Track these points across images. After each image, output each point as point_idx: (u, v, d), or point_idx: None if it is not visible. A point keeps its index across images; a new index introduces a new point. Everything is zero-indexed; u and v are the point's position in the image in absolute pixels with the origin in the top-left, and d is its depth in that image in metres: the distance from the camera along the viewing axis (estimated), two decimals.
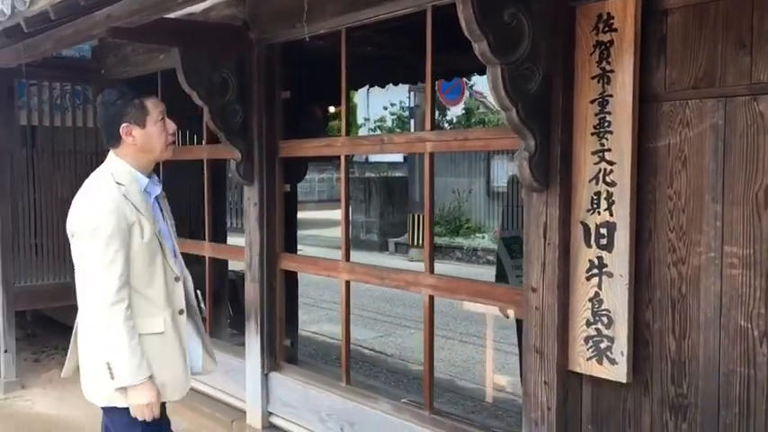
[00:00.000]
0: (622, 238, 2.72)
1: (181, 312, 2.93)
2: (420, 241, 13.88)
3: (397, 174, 18.95)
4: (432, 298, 3.57)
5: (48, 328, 7.13)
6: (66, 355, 6.55)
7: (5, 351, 5.55)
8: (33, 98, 5.83)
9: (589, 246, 2.82)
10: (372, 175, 17.86)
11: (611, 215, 2.74)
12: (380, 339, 7.44)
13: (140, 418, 2.73)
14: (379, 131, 19.59)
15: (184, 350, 2.94)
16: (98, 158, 6.04)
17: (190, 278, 3.10)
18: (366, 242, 14.63)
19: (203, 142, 5.41)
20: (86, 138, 6.04)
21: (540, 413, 2.93)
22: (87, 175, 6.08)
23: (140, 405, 2.71)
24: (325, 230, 15.86)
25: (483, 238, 14.13)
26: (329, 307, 8.88)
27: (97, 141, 6.06)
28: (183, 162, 6.02)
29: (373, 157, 22.05)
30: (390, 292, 9.69)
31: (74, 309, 6.69)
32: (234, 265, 7.04)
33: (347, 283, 4.13)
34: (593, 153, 2.78)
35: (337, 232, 17.04)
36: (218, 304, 6.03)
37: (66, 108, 5.98)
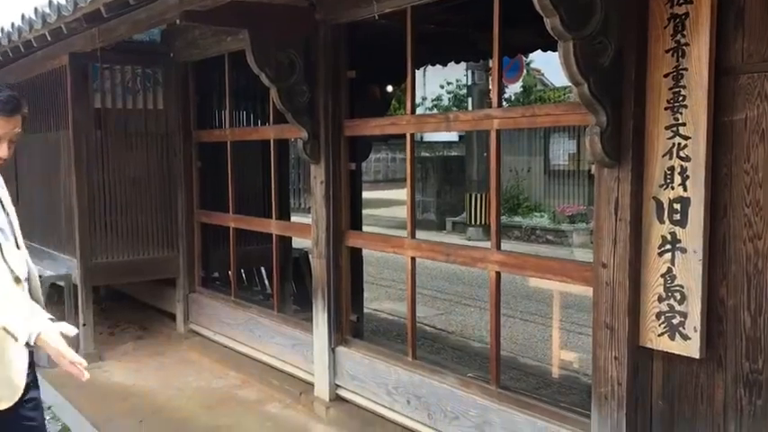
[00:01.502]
0: (696, 214, 2.69)
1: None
2: (478, 220, 13.86)
3: (453, 153, 18.87)
4: (498, 274, 3.60)
5: (120, 303, 7.44)
6: (139, 329, 6.82)
7: (84, 324, 5.82)
8: (106, 82, 6.04)
9: (662, 221, 2.80)
10: (428, 154, 17.83)
11: (685, 190, 2.72)
12: (441, 317, 7.50)
13: None
14: (435, 111, 19.53)
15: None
16: (168, 140, 6.27)
17: (36, 274, 2.71)
18: (423, 221, 14.66)
19: (270, 122, 5.53)
20: (156, 120, 6.24)
21: (609, 388, 2.94)
22: (157, 156, 6.33)
23: None
24: (381, 210, 15.97)
25: (541, 217, 14.00)
26: (389, 285, 8.98)
27: (167, 123, 6.27)
28: (247, 142, 6.19)
29: (428, 137, 21.99)
30: (449, 271, 9.74)
31: (146, 284, 7.00)
32: (297, 244, 7.20)
33: (413, 259, 4.19)
34: (667, 128, 2.75)
35: (394, 212, 17.17)
36: (284, 281, 6.18)
37: (136, 91, 6.18)
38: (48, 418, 4.64)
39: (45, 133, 6.57)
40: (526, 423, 3.39)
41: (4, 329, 2.40)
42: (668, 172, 2.77)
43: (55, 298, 6.72)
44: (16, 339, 2.40)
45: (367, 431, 4.29)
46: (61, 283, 5.95)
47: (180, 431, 4.46)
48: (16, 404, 2.53)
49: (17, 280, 2.53)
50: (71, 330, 2.49)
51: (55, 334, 2.41)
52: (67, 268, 6.05)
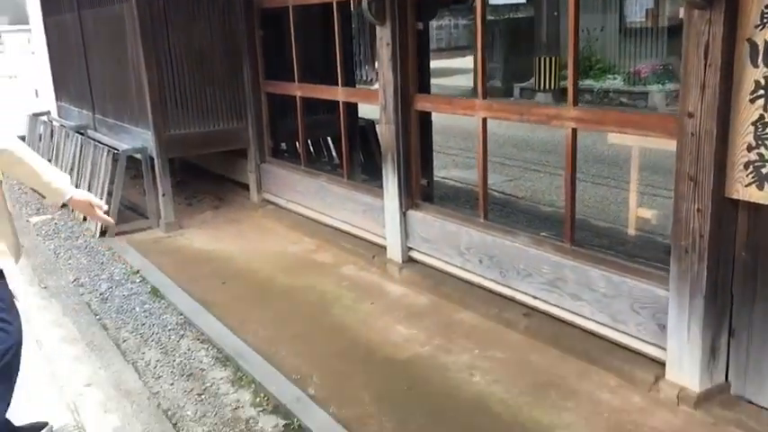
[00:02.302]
0: None
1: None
2: (548, 85, 13.39)
3: (520, 15, 17.99)
4: (575, 131, 3.49)
5: (195, 175, 7.67)
6: (215, 199, 7.03)
7: (163, 195, 6.04)
8: None
9: (755, 65, 2.61)
10: (493, 17, 17.06)
11: None
12: (510, 183, 7.44)
13: None
14: None
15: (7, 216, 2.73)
16: (230, 8, 6.16)
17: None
18: (489, 89, 14.25)
19: None
20: None
21: (691, 240, 2.88)
22: (220, 26, 6.24)
23: None
24: (443, 80, 15.58)
25: (615, 79, 13.39)
26: (456, 153, 8.92)
27: None
28: (308, 8, 6.01)
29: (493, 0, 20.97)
30: (517, 137, 9.57)
31: (218, 157, 7.14)
32: (363, 113, 7.15)
33: (484, 120, 4.10)
34: None
35: (457, 81, 16.69)
36: (351, 150, 6.19)
37: None
38: (137, 281, 4.94)
39: (109, 6, 6.56)
40: (601, 278, 3.40)
41: (49, 186, 2.67)
42: (766, 11, 2.55)
43: (133, 172, 6.98)
44: (59, 199, 2.70)
45: (440, 289, 4.40)
46: (138, 156, 6.13)
47: (261, 291, 4.68)
48: None
49: None
50: (99, 202, 2.82)
51: (85, 197, 2.77)
52: (143, 141, 6.21)
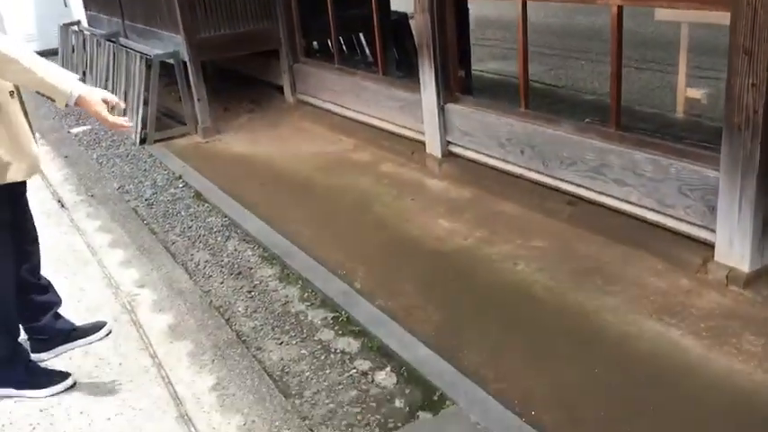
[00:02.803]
0: None
1: (12, 95, 2.56)
2: None
3: None
4: (620, 9, 3.31)
5: (229, 81, 7.60)
6: (250, 103, 6.97)
7: (198, 100, 6.02)
8: None
9: None
10: None
11: None
12: (550, 72, 7.20)
13: None
14: None
15: (25, 130, 2.63)
16: None
17: None
18: None
19: None
20: None
21: (744, 117, 2.76)
22: None
23: None
24: None
25: None
26: (492, 45, 8.63)
27: None
28: None
29: None
30: (556, 25, 9.19)
31: (251, 60, 7.03)
32: (396, 5, 6.92)
33: (524, 4, 3.91)
34: None
35: None
36: (385, 45, 6.01)
37: None
38: (180, 186, 5.01)
39: None
40: (647, 162, 3.31)
41: (55, 89, 2.43)
42: None
43: (167, 80, 6.94)
44: (64, 99, 2.45)
45: (480, 183, 4.36)
46: (171, 61, 6.07)
47: (301, 191, 4.70)
48: None
49: None
50: (113, 98, 2.56)
51: (95, 95, 2.49)
52: (174, 45, 6.13)
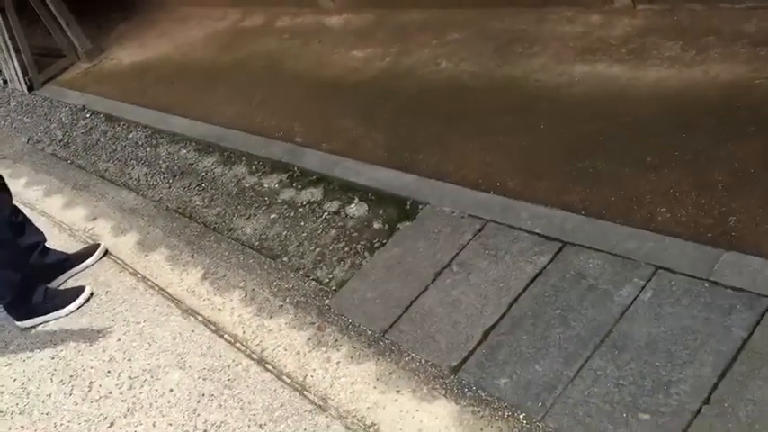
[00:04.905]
0: None
1: None
2: None
3: None
4: None
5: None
6: (119, 11, 6.53)
7: (67, 24, 5.64)
8: None
9: None
10: None
11: None
12: None
13: None
14: None
15: None
16: None
17: None
18: None
19: None
20: None
21: None
22: None
23: None
24: None
25: None
26: None
27: None
28: None
29: None
30: None
31: None
32: None
33: None
34: None
35: None
36: None
37: None
38: (88, 116, 4.82)
39: None
40: None
41: None
42: None
43: (27, 21, 6.43)
44: None
45: (380, 2, 4.26)
46: None
47: (211, 76, 4.55)
48: None
49: None
50: None
51: None
52: None
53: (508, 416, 1.88)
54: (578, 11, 3.26)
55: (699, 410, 1.70)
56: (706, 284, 1.94)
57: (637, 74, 2.77)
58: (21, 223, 3.01)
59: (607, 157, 2.49)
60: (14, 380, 2.70)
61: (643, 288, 2.00)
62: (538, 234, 2.31)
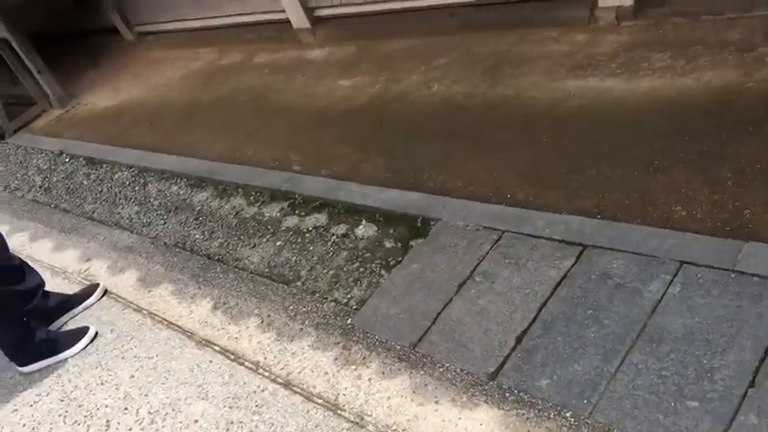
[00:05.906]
0: None
1: None
2: None
3: None
4: None
5: (53, 47, 7.00)
6: (89, 56, 6.49)
7: (39, 72, 5.57)
8: None
9: None
10: None
11: None
12: None
13: None
14: None
15: None
16: None
17: None
18: None
19: None
20: None
21: None
22: None
23: None
24: None
25: None
26: None
27: None
28: None
29: None
30: None
31: (63, 14, 6.44)
32: None
33: None
34: None
35: None
36: None
37: None
38: (66, 160, 4.74)
39: None
40: None
41: None
42: None
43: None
44: None
45: (361, 33, 4.35)
46: None
47: (192, 114, 4.54)
48: None
49: None
50: None
51: None
52: None
53: (554, 415, 1.89)
54: (563, 30, 3.37)
55: (745, 394, 1.73)
56: (732, 275, 2.00)
57: (630, 85, 2.87)
58: (18, 267, 2.91)
59: (614, 163, 2.56)
60: (24, 425, 2.59)
61: (671, 282, 2.05)
62: (557, 240, 2.35)
